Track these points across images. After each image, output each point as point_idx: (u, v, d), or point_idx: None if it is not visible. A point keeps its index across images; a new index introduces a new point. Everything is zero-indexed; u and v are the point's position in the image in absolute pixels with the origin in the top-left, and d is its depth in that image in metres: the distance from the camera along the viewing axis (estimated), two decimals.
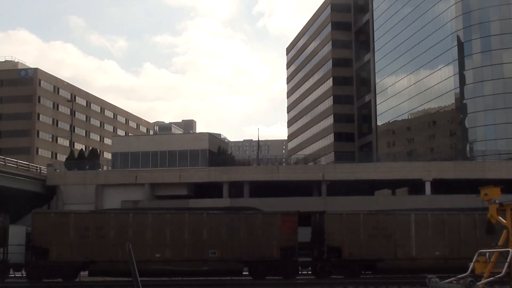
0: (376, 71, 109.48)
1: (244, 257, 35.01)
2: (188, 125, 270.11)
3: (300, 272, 36.88)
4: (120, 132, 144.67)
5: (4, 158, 66.43)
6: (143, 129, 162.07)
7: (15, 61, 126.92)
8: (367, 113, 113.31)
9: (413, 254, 36.03)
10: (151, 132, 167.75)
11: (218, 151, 79.18)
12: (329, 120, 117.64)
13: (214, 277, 34.96)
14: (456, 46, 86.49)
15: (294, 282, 33.67)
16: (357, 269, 35.83)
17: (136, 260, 34.31)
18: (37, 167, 74.91)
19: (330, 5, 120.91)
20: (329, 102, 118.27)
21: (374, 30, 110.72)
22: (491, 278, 19.13)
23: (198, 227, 35.22)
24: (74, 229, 34.07)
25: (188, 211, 38.92)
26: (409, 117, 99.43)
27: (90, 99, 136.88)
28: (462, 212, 37.76)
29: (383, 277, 34.57)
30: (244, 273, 35.69)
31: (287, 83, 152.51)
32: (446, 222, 36.78)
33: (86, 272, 35.15)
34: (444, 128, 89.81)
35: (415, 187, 68.40)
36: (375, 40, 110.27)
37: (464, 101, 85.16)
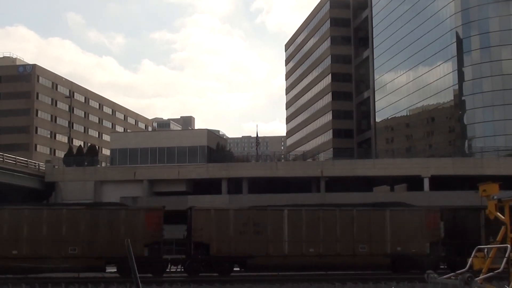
0: (375, 68, 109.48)
1: (106, 254, 34.14)
2: (187, 121, 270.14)
3: (169, 270, 35.93)
4: (119, 129, 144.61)
5: (2, 155, 66.42)
6: (141, 125, 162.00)
7: (13, 57, 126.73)
8: (366, 110, 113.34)
9: (286, 251, 35.16)
10: (150, 129, 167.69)
11: (216, 147, 79.18)
12: (328, 117, 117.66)
13: (76, 274, 33.84)
14: (455, 43, 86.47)
15: (157, 280, 31.87)
16: (227, 266, 34.98)
17: None
18: (35, 163, 74.93)
19: (329, 2, 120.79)
20: (327, 98, 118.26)
21: (373, 26, 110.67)
22: (490, 274, 19.16)
23: (57, 223, 34.30)
24: None
25: (47, 206, 37.80)
26: (408, 114, 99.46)
27: (89, 95, 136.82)
28: (338, 208, 37.08)
29: (256, 274, 34.09)
30: (113, 270, 35.05)
31: (285, 80, 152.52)
32: (321, 218, 35.90)
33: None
34: (443, 125, 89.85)
35: (414, 183, 68.49)
36: (374, 36, 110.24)
37: (463, 98, 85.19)
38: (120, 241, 33.77)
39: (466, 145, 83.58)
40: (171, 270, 36.46)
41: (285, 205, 38.91)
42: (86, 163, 75.33)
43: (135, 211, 36.23)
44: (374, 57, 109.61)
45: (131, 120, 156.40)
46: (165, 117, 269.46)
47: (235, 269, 36.23)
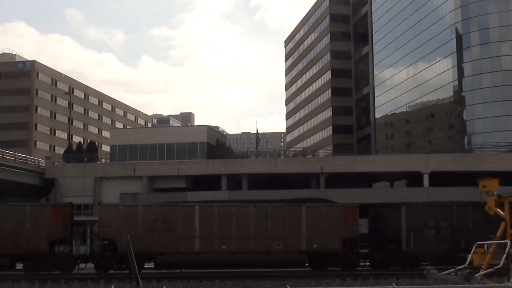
0: (374, 64, 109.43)
1: (11, 252, 33.76)
2: (186, 117, 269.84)
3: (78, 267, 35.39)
4: (118, 125, 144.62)
5: (2, 151, 66.35)
6: (141, 121, 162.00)
7: (13, 53, 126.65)
8: (366, 106, 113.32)
9: (197, 248, 34.68)
10: (149, 125, 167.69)
11: (216, 143, 79.16)
12: (328, 113, 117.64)
13: None
14: (455, 39, 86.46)
15: (57, 277, 30.74)
16: (137, 263, 34.48)
17: None
18: (35, 160, 74.87)
19: None
20: (327, 94, 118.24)
21: (373, 22, 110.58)
22: (489, 270, 19.17)
23: None
24: None
25: None
26: (408, 110, 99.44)
27: (88, 91, 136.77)
28: (252, 204, 36.62)
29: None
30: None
31: (285, 76, 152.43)
32: (234, 215, 35.44)
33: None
34: (443, 121, 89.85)
35: (414, 179, 68.50)
36: (373, 32, 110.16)
37: (463, 94, 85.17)
38: (25, 238, 33.77)
39: (466, 141, 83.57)
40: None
41: (198, 201, 38.73)
42: (85, 160, 75.30)
43: (40, 208, 35.86)
44: (374, 53, 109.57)
45: (130, 117, 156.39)
46: (165, 113, 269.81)
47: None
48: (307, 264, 36.68)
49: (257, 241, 35.11)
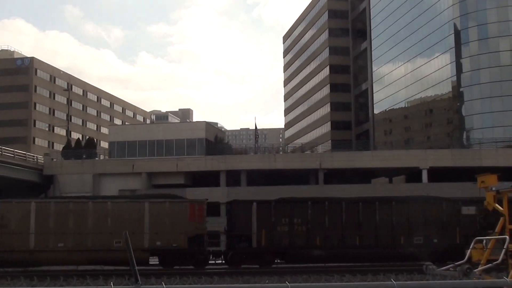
0: (373, 59, 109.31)
1: None
2: (185, 114, 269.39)
3: None
4: (117, 121, 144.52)
5: (1, 148, 66.33)
6: (140, 118, 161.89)
7: (11, 50, 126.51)
8: (364, 102, 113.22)
9: (31, 246, 33.89)
10: (148, 121, 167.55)
11: (215, 140, 79.11)
12: (326, 109, 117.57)
13: None
14: (453, 34, 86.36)
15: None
16: None
17: None
18: (34, 156, 74.82)
19: None
20: (325, 90, 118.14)
21: (371, 18, 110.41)
22: (488, 265, 19.21)
23: None
24: None
25: None
26: (406, 106, 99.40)
27: (87, 88, 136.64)
28: (91, 200, 36.11)
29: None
30: None
31: (283, 72, 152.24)
32: (71, 211, 34.82)
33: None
34: (441, 116, 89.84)
35: (412, 175, 68.50)
36: (372, 28, 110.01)
37: (461, 89, 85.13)
38: None
39: (464, 136, 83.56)
40: None
41: (34, 198, 38.15)
42: (84, 156, 75.27)
43: None
44: (372, 49, 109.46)
45: (129, 113, 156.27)
46: (163, 109, 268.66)
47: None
48: (157, 262, 35.93)
49: (96, 239, 34.19)
